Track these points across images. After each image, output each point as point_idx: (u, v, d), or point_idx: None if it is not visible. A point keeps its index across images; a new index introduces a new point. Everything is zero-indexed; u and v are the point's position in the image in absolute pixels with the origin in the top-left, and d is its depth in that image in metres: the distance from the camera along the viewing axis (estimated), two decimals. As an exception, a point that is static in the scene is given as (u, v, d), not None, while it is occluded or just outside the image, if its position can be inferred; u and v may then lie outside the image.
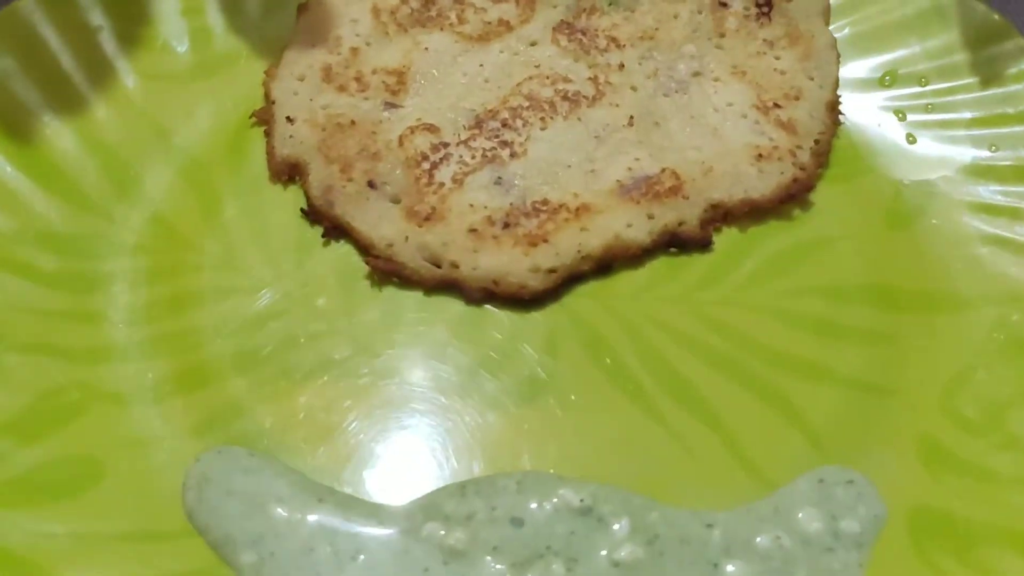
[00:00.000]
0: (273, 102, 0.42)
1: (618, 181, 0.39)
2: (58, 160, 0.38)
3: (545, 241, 0.37)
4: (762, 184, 0.39)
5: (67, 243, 0.36)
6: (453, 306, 0.36)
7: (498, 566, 0.28)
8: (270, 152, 0.40)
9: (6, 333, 0.32)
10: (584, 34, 0.44)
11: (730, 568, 0.28)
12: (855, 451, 0.32)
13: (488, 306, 0.36)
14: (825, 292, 0.36)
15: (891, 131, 0.41)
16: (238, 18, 0.45)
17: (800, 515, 0.29)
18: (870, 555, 0.29)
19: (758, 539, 0.29)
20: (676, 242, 0.38)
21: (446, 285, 0.36)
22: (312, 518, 0.29)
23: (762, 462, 0.32)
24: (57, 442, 0.30)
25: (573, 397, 0.33)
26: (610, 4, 0.46)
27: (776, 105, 0.41)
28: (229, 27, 0.44)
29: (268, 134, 0.41)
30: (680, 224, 0.38)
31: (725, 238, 0.38)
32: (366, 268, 0.37)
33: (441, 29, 0.44)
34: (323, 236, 0.38)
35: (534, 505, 0.29)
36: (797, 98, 0.42)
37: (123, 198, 0.38)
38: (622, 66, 0.43)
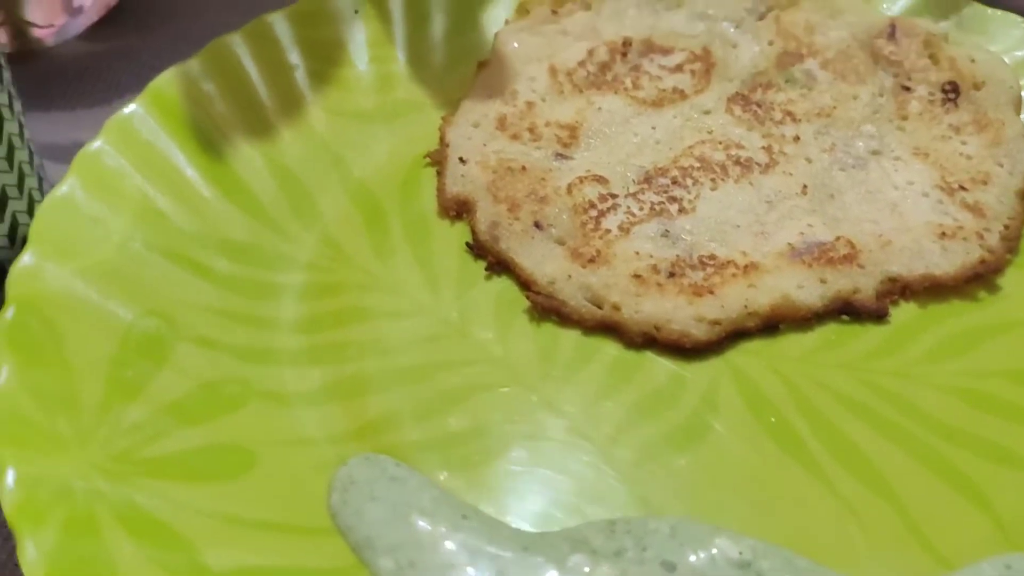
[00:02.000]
0: (447, 145, 0.43)
1: (789, 244, 0.38)
2: (245, 177, 0.40)
3: (711, 293, 0.36)
4: (945, 262, 0.37)
5: (244, 252, 0.37)
6: (612, 348, 0.35)
7: (646, 607, 0.26)
8: (440, 189, 0.41)
9: (182, 324, 0.33)
10: (759, 106, 0.44)
11: (903, 645, 0.25)
12: (1049, 542, 0.29)
13: (647, 352, 0.35)
14: (1015, 376, 0.34)
15: (1091, 223, 0.39)
16: (422, 69, 0.47)
17: (984, 600, 0.26)
18: (1068, 653, 0.25)
19: (935, 619, 0.26)
20: (849, 310, 0.36)
21: (606, 327, 0.36)
22: (455, 534, 0.28)
23: (939, 539, 0.29)
24: (215, 429, 0.31)
25: (733, 450, 0.32)
26: (787, 81, 0.46)
27: (962, 187, 0.40)
28: (413, 76, 0.46)
29: (440, 173, 0.42)
30: (854, 292, 0.36)
31: (902, 312, 0.36)
32: (525, 303, 0.37)
33: (615, 92, 0.45)
34: (486, 270, 0.38)
35: (688, 551, 0.27)
36: (985, 182, 0.40)
37: (299, 218, 0.39)
38: (797, 138, 0.42)
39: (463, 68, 0.47)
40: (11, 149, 0.31)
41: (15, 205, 0.32)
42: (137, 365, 0.31)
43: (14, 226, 0.32)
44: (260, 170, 0.40)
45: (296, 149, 0.42)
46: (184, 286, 0.35)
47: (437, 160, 0.43)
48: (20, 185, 0.32)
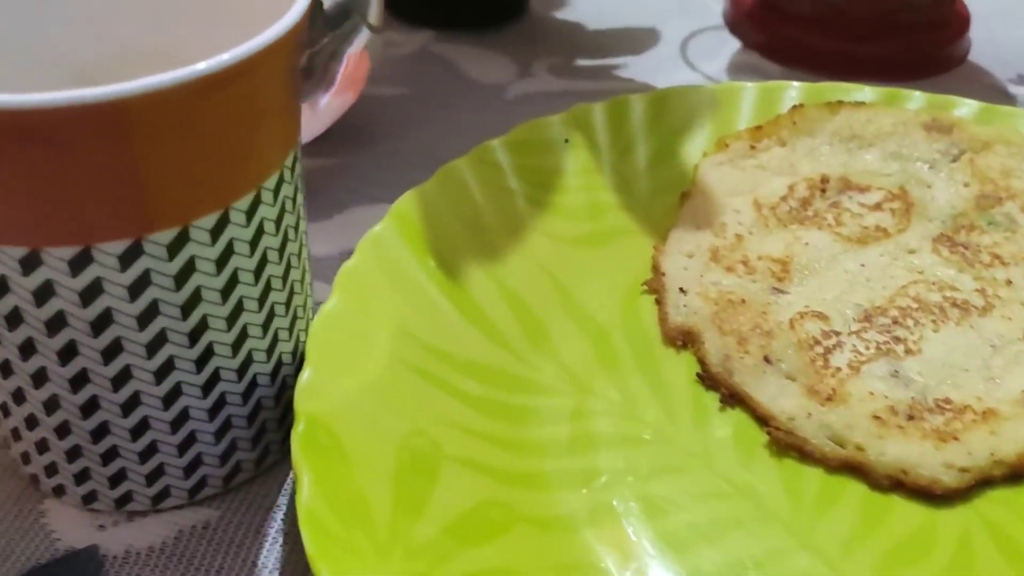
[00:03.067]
0: (663, 274, 0.44)
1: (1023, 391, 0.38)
2: (479, 299, 0.42)
3: (955, 439, 0.36)
4: None
5: (488, 374, 0.39)
6: (857, 489, 0.36)
7: None
8: (663, 319, 0.43)
9: (445, 444, 0.35)
10: (966, 248, 0.45)
11: None
12: None
13: (894, 494, 0.35)
14: None
15: None
16: (628, 197, 0.49)
17: None
18: None
19: None
20: (1092, 462, 0.36)
21: (850, 467, 0.36)
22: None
23: None
24: (491, 552, 0.32)
25: (1000, 603, 0.32)
26: (988, 224, 0.47)
27: None
28: (621, 204, 0.48)
29: (659, 302, 0.44)
30: (1096, 444, 0.37)
31: None
32: (764, 437, 0.37)
33: (819, 228, 0.46)
34: (720, 402, 0.39)
35: None
36: None
37: (531, 342, 0.41)
38: (1009, 282, 0.43)
39: (666, 198, 0.49)
40: (303, 272, 0.33)
41: (300, 324, 0.34)
42: (415, 483, 0.33)
43: (298, 344, 0.34)
44: (491, 292, 0.42)
45: (521, 273, 0.44)
46: (441, 406, 0.36)
47: (654, 289, 0.44)
48: (305, 304, 0.34)
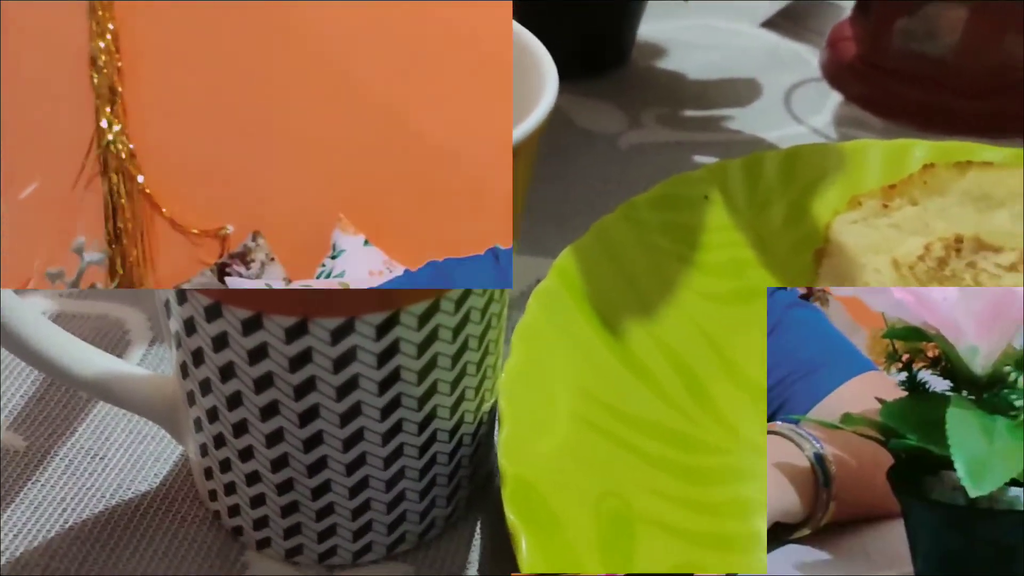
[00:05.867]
0: (813, 333, 0.45)
1: None
2: (641, 356, 0.42)
3: None
4: None
5: (661, 432, 0.39)
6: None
7: None
8: (820, 378, 0.44)
9: (635, 505, 0.35)
10: (1108, 313, 0.46)
11: None
12: None
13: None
14: None
15: None
16: (766, 255, 0.49)
17: None
18: None
19: None
20: None
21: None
22: None
23: None
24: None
25: None
26: None
27: None
28: (760, 262, 0.49)
29: (812, 361, 0.44)
30: None
31: None
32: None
33: (959, 288, 0.47)
34: (890, 465, 0.40)
35: None
36: None
37: (695, 400, 0.42)
38: None
39: (802, 255, 0.50)
40: (500, 332, 0.34)
41: (488, 384, 0.35)
42: (618, 545, 0.33)
43: (491, 403, 0.34)
44: (652, 349, 0.43)
45: (676, 330, 0.44)
46: (624, 466, 0.37)
47: (809, 350, 0.45)
48: (496, 364, 0.35)
